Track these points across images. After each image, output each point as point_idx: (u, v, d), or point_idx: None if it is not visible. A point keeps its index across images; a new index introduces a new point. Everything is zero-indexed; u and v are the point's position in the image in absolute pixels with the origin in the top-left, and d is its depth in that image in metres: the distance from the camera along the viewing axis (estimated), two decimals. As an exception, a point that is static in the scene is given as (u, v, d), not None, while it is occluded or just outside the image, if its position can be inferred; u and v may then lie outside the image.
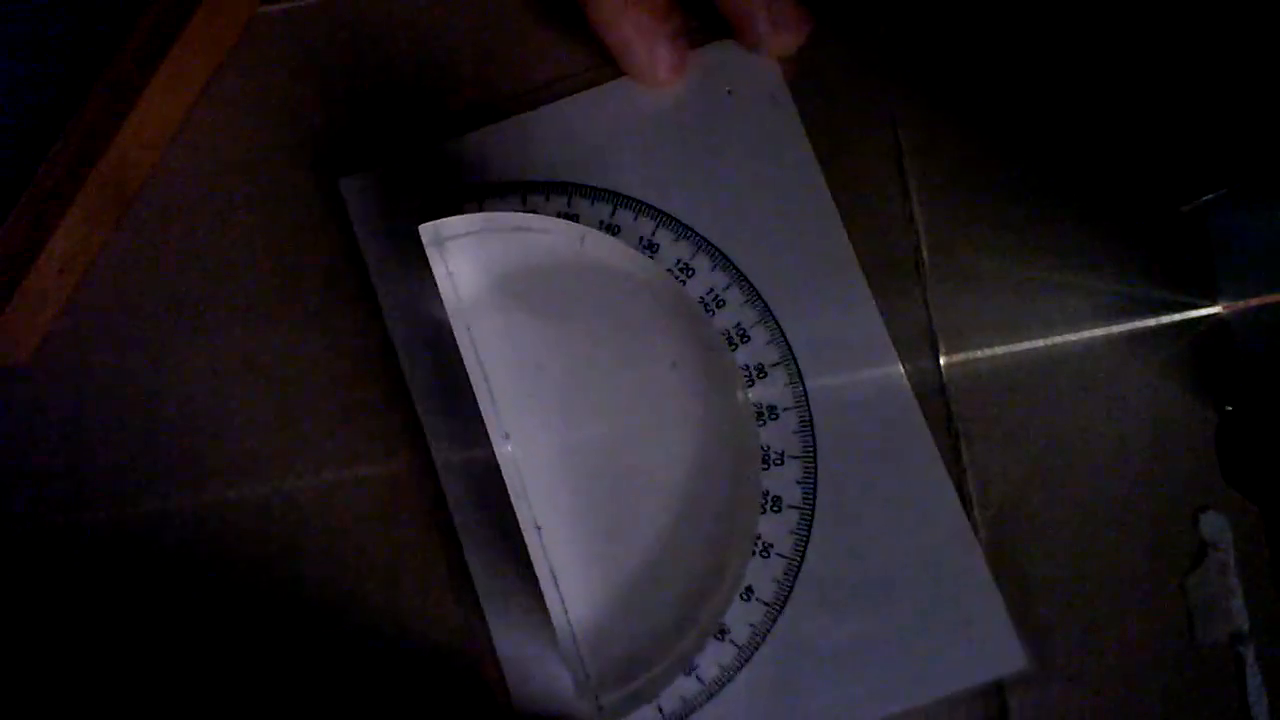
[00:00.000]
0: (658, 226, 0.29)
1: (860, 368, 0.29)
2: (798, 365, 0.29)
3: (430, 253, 0.27)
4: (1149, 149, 0.30)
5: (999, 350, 0.29)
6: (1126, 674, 0.28)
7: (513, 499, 0.26)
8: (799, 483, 0.28)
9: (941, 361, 0.29)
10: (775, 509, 0.28)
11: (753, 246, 0.29)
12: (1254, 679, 0.28)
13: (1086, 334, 0.29)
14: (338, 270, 0.30)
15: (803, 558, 0.28)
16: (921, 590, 0.28)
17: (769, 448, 0.28)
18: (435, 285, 0.27)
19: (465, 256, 0.27)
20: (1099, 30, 0.30)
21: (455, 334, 0.27)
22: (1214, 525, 0.29)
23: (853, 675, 0.28)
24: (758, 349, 0.29)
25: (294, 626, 0.29)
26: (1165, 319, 0.29)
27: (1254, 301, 0.28)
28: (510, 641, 0.28)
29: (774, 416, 0.28)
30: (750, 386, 0.28)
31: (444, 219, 0.27)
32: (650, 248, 0.29)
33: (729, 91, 0.30)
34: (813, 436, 0.28)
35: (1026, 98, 0.30)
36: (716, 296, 0.29)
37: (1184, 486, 0.29)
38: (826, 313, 0.29)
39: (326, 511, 0.29)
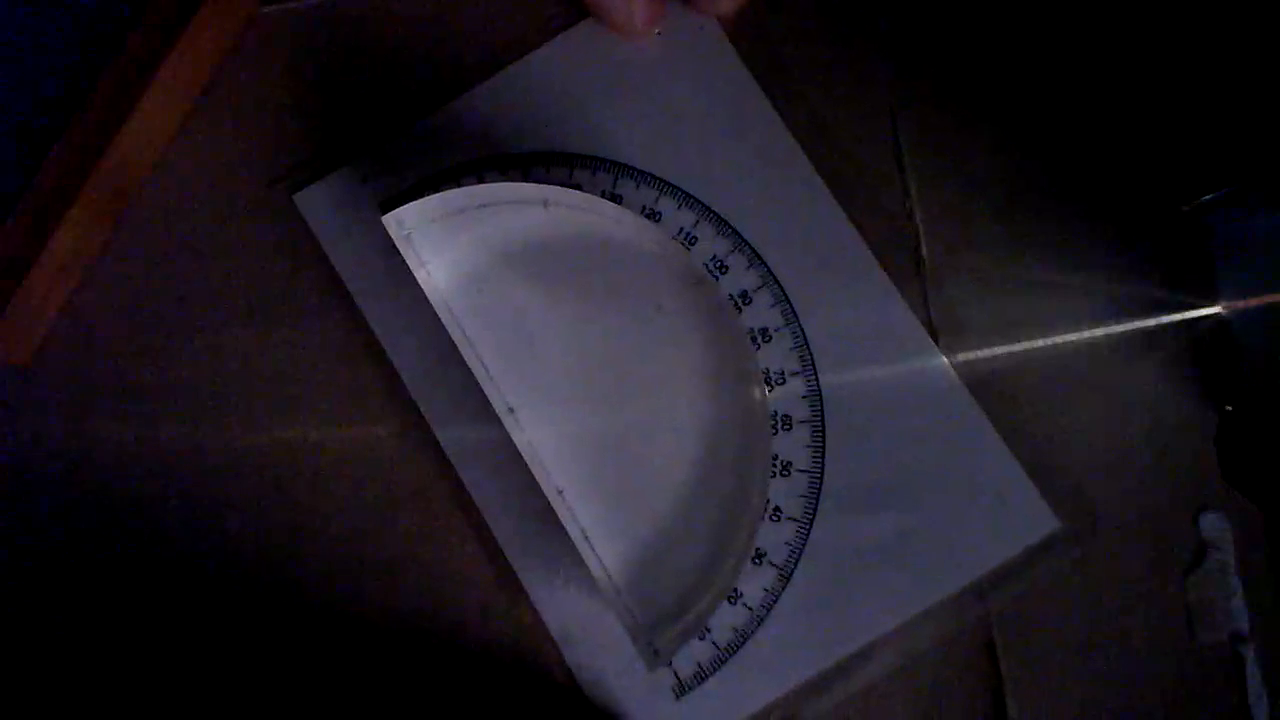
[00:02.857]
0: (617, 178, 0.29)
1: (843, 279, 0.29)
2: (781, 287, 0.29)
3: (401, 246, 0.27)
4: (1149, 149, 0.30)
5: (999, 350, 0.29)
6: (1126, 674, 0.28)
7: (531, 467, 0.27)
8: (804, 397, 0.28)
9: (941, 361, 0.29)
10: (786, 427, 0.28)
11: (713, 178, 0.29)
12: (1254, 679, 0.28)
13: (1086, 334, 0.29)
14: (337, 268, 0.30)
15: (822, 469, 0.28)
16: (942, 478, 0.28)
17: (769, 369, 0.28)
18: (411, 278, 0.27)
19: (435, 244, 0.28)
20: (1099, 30, 0.30)
21: (442, 320, 0.27)
22: (1214, 525, 0.29)
23: (896, 571, 0.28)
24: (738, 277, 0.29)
25: (303, 627, 0.29)
26: (1165, 319, 0.29)
27: (1254, 301, 0.28)
28: (555, 611, 0.28)
29: (767, 339, 0.29)
30: (739, 314, 0.29)
31: (403, 210, 0.27)
32: (614, 200, 0.29)
33: (658, 33, 0.30)
34: (809, 352, 0.29)
35: (1027, 97, 0.30)
36: (687, 234, 0.29)
37: (1184, 486, 0.29)
38: (797, 230, 0.29)
39: (333, 511, 0.29)
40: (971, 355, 0.29)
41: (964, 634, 0.28)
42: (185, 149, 0.30)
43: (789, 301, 0.29)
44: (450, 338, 0.27)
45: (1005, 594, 0.28)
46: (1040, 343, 0.29)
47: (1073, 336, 0.29)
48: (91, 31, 0.30)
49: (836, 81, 0.30)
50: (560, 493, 0.27)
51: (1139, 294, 0.29)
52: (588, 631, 0.28)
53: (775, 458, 0.28)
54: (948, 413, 0.28)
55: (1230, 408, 0.29)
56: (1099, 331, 0.29)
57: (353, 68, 0.31)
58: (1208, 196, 0.29)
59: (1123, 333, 0.29)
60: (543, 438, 0.27)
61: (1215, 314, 0.29)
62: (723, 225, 0.29)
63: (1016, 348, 0.29)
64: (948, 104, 0.30)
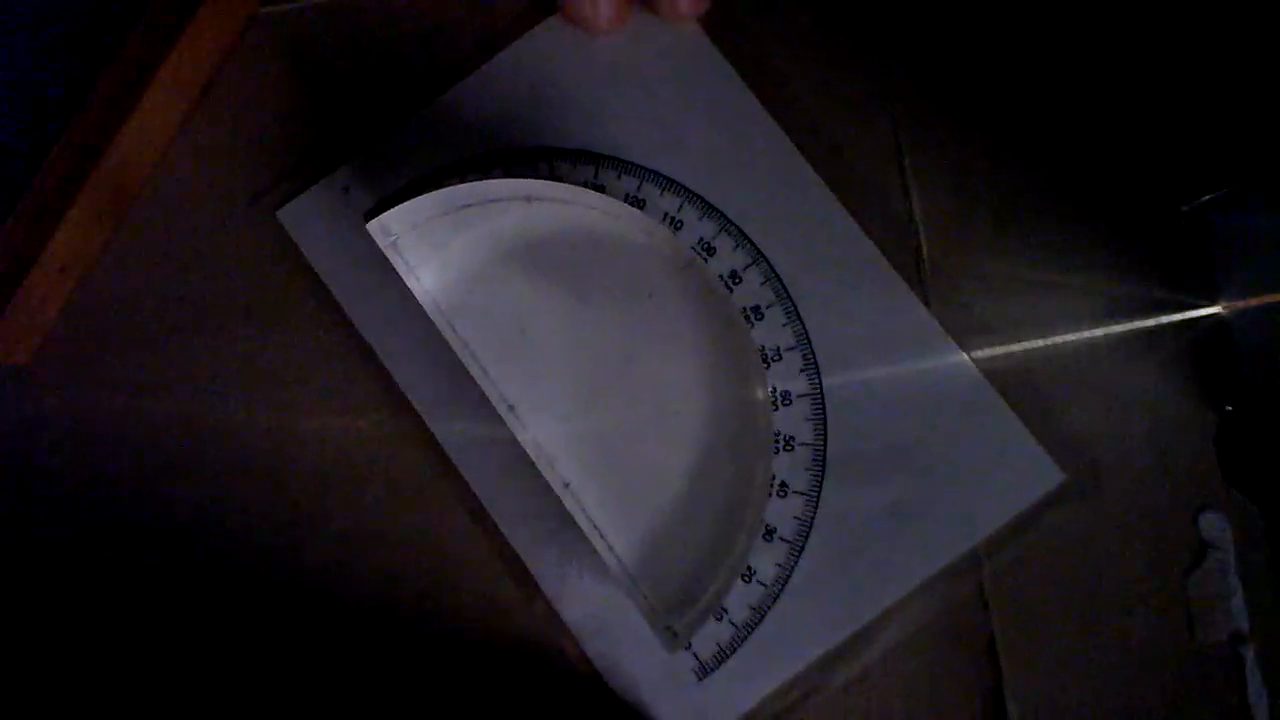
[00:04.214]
0: (598, 169, 0.29)
1: (832, 250, 0.29)
2: (771, 266, 0.29)
3: (388, 254, 0.27)
4: (1149, 149, 0.30)
5: (999, 350, 0.29)
6: (1126, 674, 0.28)
7: (536, 463, 0.27)
8: (801, 371, 0.29)
9: (941, 361, 0.29)
10: (786, 402, 0.28)
11: (695, 163, 0.29)
12: (1254, 679, 0.28)
13: (1086, 334, 0.29)
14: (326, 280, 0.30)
15: (825, 441, 0.28)
16: (944, 439, 0.28)
17: (764, 346, 0.29)
18: (401, 284, 0.27)
19: (422, 248, 0.28)
20: (1099, 30, 0.30)
21: (435, 323, 0.27)
22: (1214, 525, 0.29)
23: (907, 534, 0.28)
24: (726, 257, 0.29)
25: (310, 628, 0.29)
26: (1165, 319, 0.29)
27: (1254, 301, 0.28)
28: (571, 603, 0.28)
29: (760, 316, 0.29)
30: (730, 294, 0.29)
31: (387, 216, 0.27)
32: (598, 190, 0.29)
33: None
34: (803, 327, 0.29)
35: (1027, 97, 0.30)
36: (673, 219, 0.29)
37: (1184, 486, 0.29)
38: (781, 206, 0.29)
39: (334, 513, 0.29)
40: (971, 356, 0.29)
41: (966, 629, 0.28)
42: (185, 149, 0.30)
43: (779, 278, 0.29)
44: (445, 340, 0.27)
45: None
46: (1040, 343, 0.29)
47: (1073, 336, 0.29)
48: (91, 31, 0.30)
49: (835, 83, 0.30)
50: (567, 486, 0.27)
51: (1139, 294, 0.29)
52: (605, 621, 0.28)
53: (778, 433, 0.28)
54: (944, 374, 0.29)
55: (1230, 408, 0.29)
56: (1099, 331, 0.29)
57: (349, 68, 0.31)
58: (1208, 196, 0.29)
59: (1123, 333, 0.29)
60: (545, 433, 0.27)
61: (1215, 314, 0.29)
62: (708, 208, 0.29)
63: (1016, 348, 0.29)
64: (947, 104, 0.30)
